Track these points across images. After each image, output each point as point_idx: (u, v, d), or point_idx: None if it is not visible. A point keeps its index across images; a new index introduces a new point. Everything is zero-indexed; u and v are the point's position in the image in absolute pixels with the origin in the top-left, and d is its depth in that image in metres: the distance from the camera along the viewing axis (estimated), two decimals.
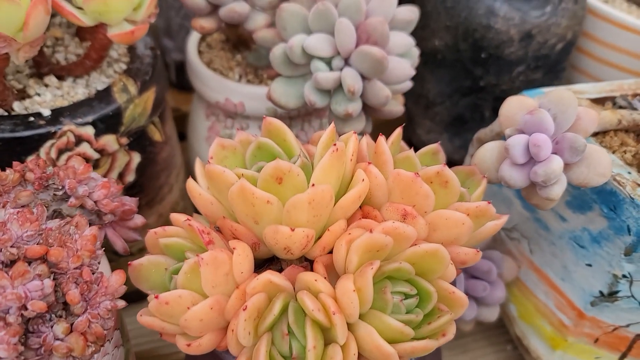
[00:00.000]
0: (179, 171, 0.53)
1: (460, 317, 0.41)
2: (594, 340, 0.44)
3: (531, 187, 0.37)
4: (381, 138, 0.35)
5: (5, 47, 0.36)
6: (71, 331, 0.29)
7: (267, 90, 0.43)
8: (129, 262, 0.34)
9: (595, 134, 0.43)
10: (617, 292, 0.41)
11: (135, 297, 0.39)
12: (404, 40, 0.43)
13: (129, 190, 0.46)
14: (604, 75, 0.60)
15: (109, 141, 0.42)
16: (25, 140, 0.39)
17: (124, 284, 0.32)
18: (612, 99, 0.47)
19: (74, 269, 0.30)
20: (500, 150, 0.38)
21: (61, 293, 0.30)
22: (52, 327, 0.29)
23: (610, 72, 0.59)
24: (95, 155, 0.42)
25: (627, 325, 0.43)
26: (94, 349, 0.30)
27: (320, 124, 0.54)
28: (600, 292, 0.42)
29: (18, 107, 0.41)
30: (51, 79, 0.43)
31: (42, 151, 0.39)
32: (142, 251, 0.50)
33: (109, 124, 0.42)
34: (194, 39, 0.56)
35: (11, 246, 0.29)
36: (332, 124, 0.35)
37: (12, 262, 0.29)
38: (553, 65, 0.55)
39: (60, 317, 0.30)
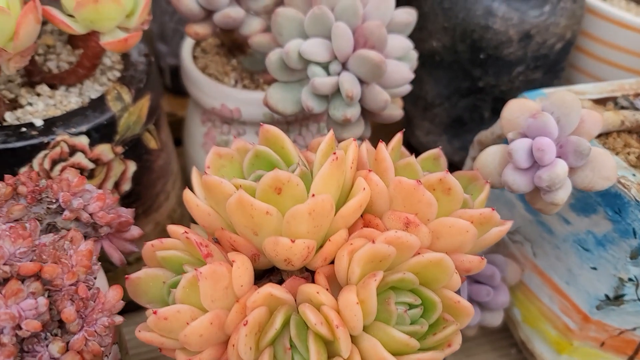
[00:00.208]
0: (176, 178, 0.53)
1: None
2: (600, 344, 0.44)
3: (535, 192, 0.37)
4: (381, 145, 0.34)
5: None
6: (67, 350, 0.29)
7: (264, 97, 0.43)
8: (126, 276, 0.33)
9: (597, 136, 0.43)
10: (623, 295, 0.41)
11: (133, 307, 0.38)
12: (402, 44, 0.42)
13: (125, 199, 0.45)
14: (604, 74, 0.59)
15: (104, 150, 0.41)
16: (18, 151, 0.38)
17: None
18: (614, 99, 0.46)
19: (69, 285, 0.29)
20: (503, 154, 0.38)
21: (56, 311, 0.29)
22: (47, 346, 0.28)
23: (610, 70, 0.59)
24: (90, 165, 0.41)
25: (634, 329, 0.42)
26: None
27: (318, 129, 0.54)
28: (606, 296, 0.41)
29: (10, 117, 0.40)
30: (43, 88, 0.42)
31: (36, 162, 0.39)
32: (139, 260, 0.49)
33: (103, 133, 0.41)
34: (188, 44, 0.55)
35: (4, 264, 0.28)
36: (331, 131, 0.34)
37: (5, 281, 0.28)
38: (552, 65, 0.55)
39: (56, 335, 0.29)
